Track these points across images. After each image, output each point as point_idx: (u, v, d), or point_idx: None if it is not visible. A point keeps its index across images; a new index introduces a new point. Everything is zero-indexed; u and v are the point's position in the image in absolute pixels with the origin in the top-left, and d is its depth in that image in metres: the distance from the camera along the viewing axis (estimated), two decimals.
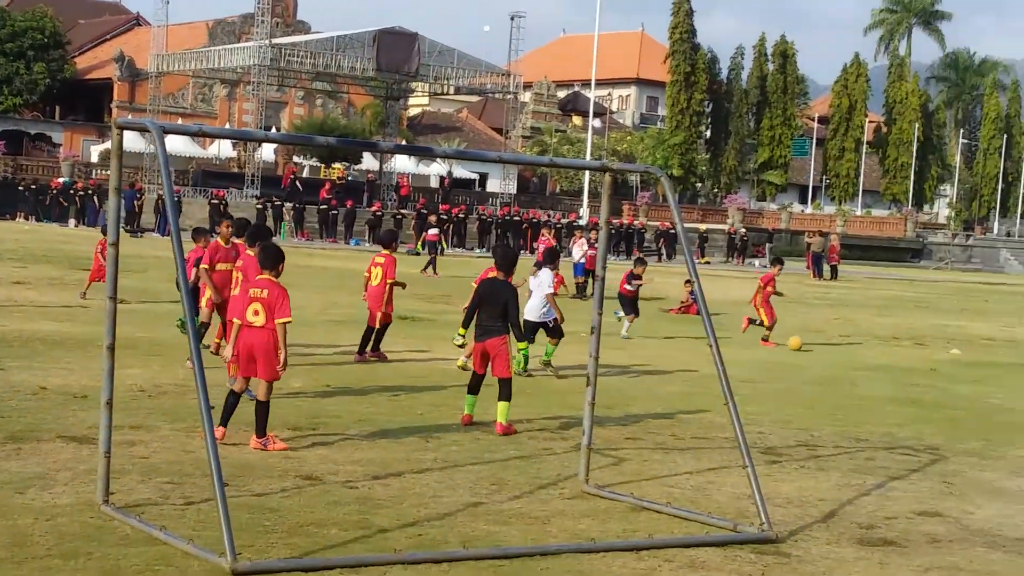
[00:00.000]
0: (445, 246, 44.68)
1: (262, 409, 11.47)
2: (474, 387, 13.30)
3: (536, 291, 18.38)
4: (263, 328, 11.39)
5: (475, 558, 8.27)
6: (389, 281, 17.73)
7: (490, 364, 13.12)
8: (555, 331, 18.20)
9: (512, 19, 79.33)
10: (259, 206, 61.86)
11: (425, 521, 9.24)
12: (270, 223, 56.61)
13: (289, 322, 11.46)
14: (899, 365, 22.25)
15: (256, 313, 11.41)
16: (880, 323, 32.46)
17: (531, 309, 18.16)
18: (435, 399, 14.77)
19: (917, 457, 13.20)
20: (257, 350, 11.41)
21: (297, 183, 69.65)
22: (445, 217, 62.47)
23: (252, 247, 13.92)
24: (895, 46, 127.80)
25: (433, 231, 45.05)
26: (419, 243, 41.88)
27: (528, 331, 17.41)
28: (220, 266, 15.65)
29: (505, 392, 12.95)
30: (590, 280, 32.88)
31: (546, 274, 18.39)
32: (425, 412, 14.01)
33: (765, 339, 24.15)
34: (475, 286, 14.42)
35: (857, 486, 11.44)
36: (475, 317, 13.38)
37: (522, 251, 43.33)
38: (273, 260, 11.75)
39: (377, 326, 17.89)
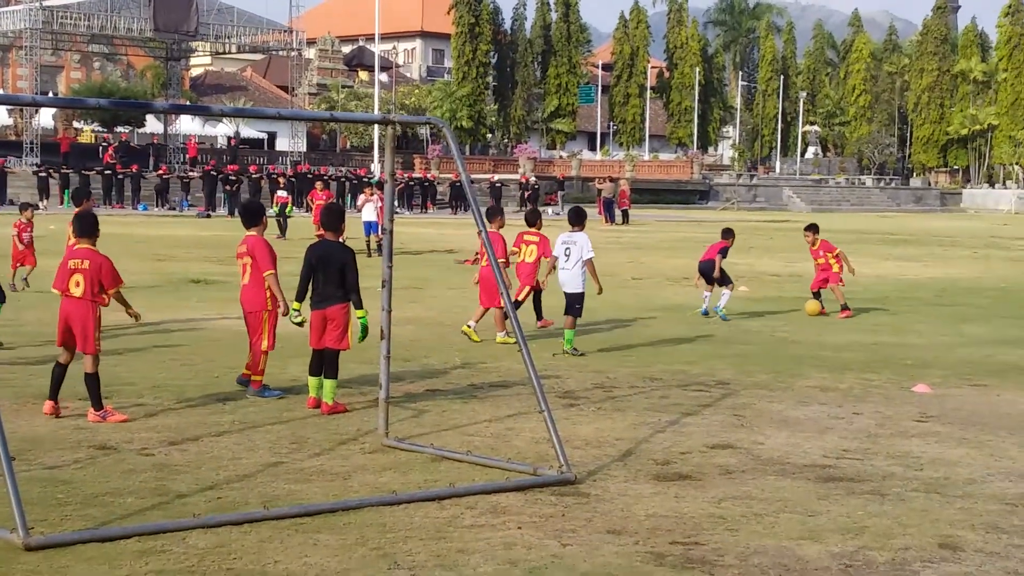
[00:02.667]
0: (292, 209, 43.61)
1: (91, 381, 11.24)
2: (316, 367, 12.07)
3: (572, 259, 16.44)
4: (82, 299, 11.22)
5: (276, 517, 8.20)
6: (544, 259, 17.46)
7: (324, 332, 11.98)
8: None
9: None
10: (41, 174, 60.05)
11: (224, 484, 9.15)
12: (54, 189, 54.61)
13: (122, 286, 11.55)
14: (690, 305, 22.73)
15: (77, 284, 11.22)
16: (671, 264, 33.13)
17: (570, 280, 16.47)
18: (231, 362, 14.54)
19: (709, 392, 13.54)
20: (74, 321, 11.21)
21: (131, 147, 68.91)
22: (234, 177, 61.47)
23: (250, 228, 12.80)
24: None
25: (282, 193, 43.80)
26: (273, 205, 41.02)
27: (574, 303, 16.33)
28: None
29: (332, 368, 11.91)
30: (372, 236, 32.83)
31: (583, 238, 16.44)
32: (222, 375, 13.84)
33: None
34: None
35: (652, 424, 11.69)
36: (311, 285, 12.03)
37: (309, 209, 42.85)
38: (90, 228, 11.61)
39: (522, 298, 17.65)
